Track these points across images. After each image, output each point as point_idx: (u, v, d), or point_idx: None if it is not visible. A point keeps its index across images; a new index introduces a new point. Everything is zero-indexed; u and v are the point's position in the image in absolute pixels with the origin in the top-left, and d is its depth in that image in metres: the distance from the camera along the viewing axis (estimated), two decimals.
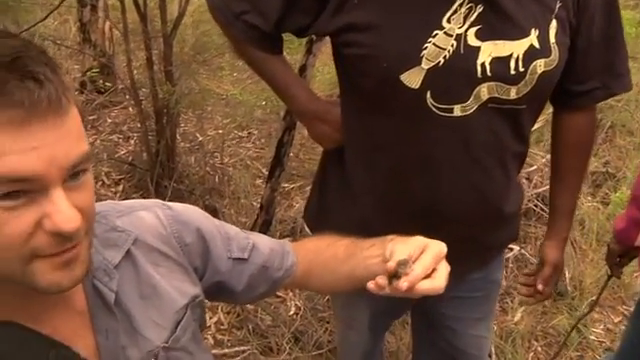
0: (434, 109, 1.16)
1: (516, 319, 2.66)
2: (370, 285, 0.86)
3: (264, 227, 2.70)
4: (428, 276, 0.85)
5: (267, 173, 2.78)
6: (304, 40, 2.50)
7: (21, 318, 0.71)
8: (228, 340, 2.45)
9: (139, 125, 3.28)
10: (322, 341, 2.43)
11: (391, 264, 0.84)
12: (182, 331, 0.86)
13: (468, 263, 1.37)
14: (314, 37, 2.38)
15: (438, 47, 1.12)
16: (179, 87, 2.89)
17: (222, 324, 2.51)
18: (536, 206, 3.18)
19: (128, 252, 0.82)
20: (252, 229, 2.63)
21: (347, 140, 1.33)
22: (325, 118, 1.34)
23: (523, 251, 2.94)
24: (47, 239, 0.62)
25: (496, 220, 1.35)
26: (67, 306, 0.75)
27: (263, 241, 1.02)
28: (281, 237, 2.89)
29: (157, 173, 3.01)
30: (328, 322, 2.53)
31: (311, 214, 1.53)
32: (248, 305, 2.56)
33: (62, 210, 0.61)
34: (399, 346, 2.41)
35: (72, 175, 0.63)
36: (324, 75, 3.97)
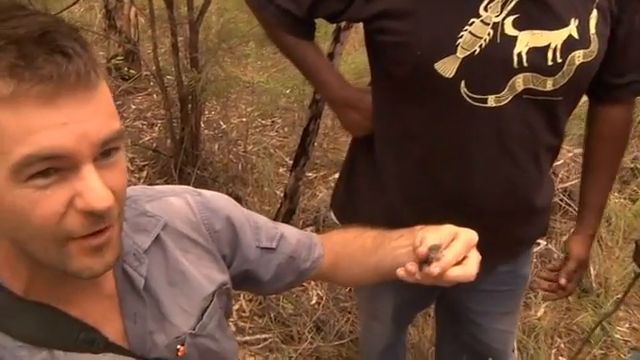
0: (468, 99, 1.14)
1: (539, 314, 2.63)
2: (400, 271, 0.85)
3: (287, 216, 2.69)
4: (459, 263, 0.84)
5: (290, 162, 2.78)
6: (331, 28, 2.49)
7: (53, 300, 0.71)
8: (250, 328, 2.45)
9: (163, 112, 3.29)
10: (344, 331, 2.42)
11: (422, 249, 0.83)
12: (208, 318, 0.86)
13: (497, 256, 1.35)
14: (342, 25, 2.36)
15: (474, 35, 1.10)
16: (204, 74, 2.88)
17: (244, 311, 2.51)
18: (562, 200, 3.13)
19: (157, 237, 0.82)
20: (275, 218, 2.63)
21: (377, 128, 1.32)
22: (356, 106, 1.33)
23: (549, 246, 2.89)
24: (79, 219, 0.61)
25: (527, 214, 1.33)
26: (96, 290, 0.75)
27: (291, 232, 1.01)
28: (304, 226, 2.89)
29: (181, 160, 3.01)
30: (350, 312, 2.52)
31: (338, 202, 1.52)
32: None
33: (94, 188, 0.60)
34: (421, 338, 2.40)
35: (103, 153, 0.62)
36: (348, 65, 3.94)
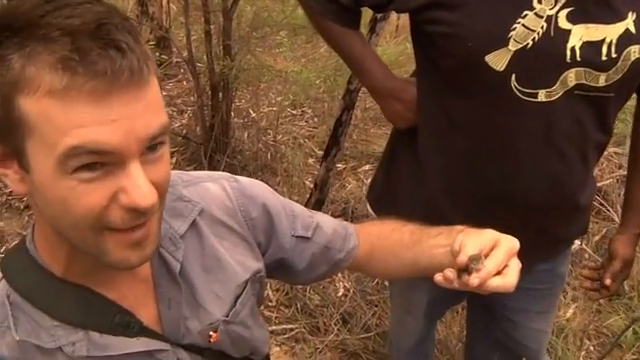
0: (518, 93, 1.12)
1: (568, 315, 2.59)
2: (438, 277, 0.82)
3: (316, 207, 2.68)
4: (499, 272, 0.81)
5: (320, 152, 2.76)
6: (366, 19, 2.46)
7: (90, 283, 0.72)
8: (276, 317, 2.46)
9: (193, 99, 3.30)
10: (370, 324, 2.41)
11: (462, 258, 0.80)
12: (241, 305, 0.85)
13: (537, 254, 1.32)
14: (378, 16, 2.34)
15: (527, 28, 1.08)
16: (237, 62, 2.88)
17: (270, 301, 2.52)
18: (594, 200, 3.07)
19: (194, 223, 0.82)
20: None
21: (421, 120, 1.30)
22: (400, 97, 1.31)
23: (584, 246, 2.84)
24: (120, 214, 0.61)
25: (570, 211, 1.30)
26: (132, 274, 0.75)
27: (327, 221, 1.00)
28: (332, 217, 2.87)
29: (211, 147, 3.02)
30: (376, 305, 2.51)
31: (375, 194, 1.50)
32: None
33: (139, 185, 0.60)
34: (447, 334, 2.37)
35: (149, 147, 0.62)
36: (380, 56, 3.91)
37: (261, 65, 3.15)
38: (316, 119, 3.83)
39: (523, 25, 1.08)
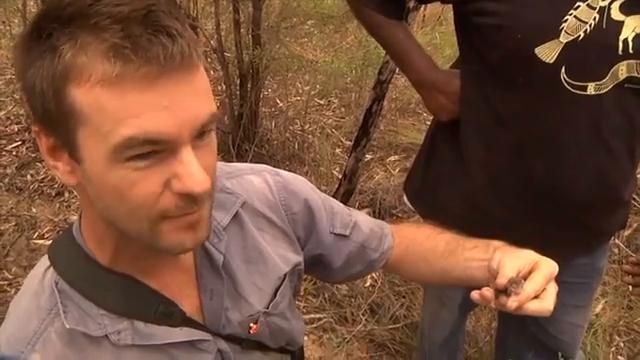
0: (567, 86, 1.10)
1: (597, 310, 2.56)
2: (475, 295, 0.82)
3: (345, 197, 2.68)
4: (537, 296, 0.81)
5: (347, 143, 2.75)
6: None
7: (135, 272, 0.72)
8: (304, 307, 2.47)
9: (220, 88, 3.30)
10: (398, 315, 2.41)
11: (502, 280, 0.80)
12: (281, 297, 0.86)
13: (578, 248, 1.31)
14: (410, 5, 2.31)
15: (579, 20, 1.05)
16: (267, 52, 2.88)
17: (298, 290, 2.52)
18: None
19: (236, 215, 0.82)
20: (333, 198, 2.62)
21: (465, 113, 1.28)
22: (444, 89, 1.30)
23: (616, 240, 2.80)
24: (174, 200, 0.61)
25: (613, 206, 1.28)
26: (176, 264, 0.75)
27: (364, 220, 0.99)
28: (360, 208, 2.88)
29: (239, 136, 3.03)
30: (404, 296, 2.51)
31: (413, 187, 1.49)
32: None
33: (193, 172, 0.60)
34: (475, 327, 2.36)
35: (199, 134, 0.61)
36: None
37: (291, 55, 3.14)
38: (343, 109, 3.82)
39: (575, 17, 1.05)
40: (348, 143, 3.41)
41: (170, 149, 0.59)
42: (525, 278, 0.81)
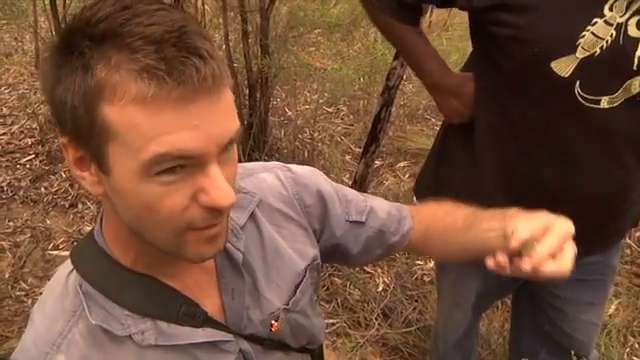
0: (580, 99, 1.10)
1: (611, 311, 2.55)
2: (489, 262, 0.81)
3: None
4: (553, 257, 0.78)
5: (356, 150, 2.77)
6: None
7: (157, 273, 0.74)
8: None
9: None
10: (411, 319, 2.42)
11: (514, 243, 0.78)
12: (301, 294, 0.87)
13: (591, 246, 1.32)
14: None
15: (596, 36, 1.06)
16: (275, 61, 2.90)
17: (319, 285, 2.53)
18: None
19: (252, 214, 0.84)
20: None
21: (479, 117, 1.29)
22: (457, 93, 1.30)
23: (627, 240, 2.80)
24: (201, 212, 0.63)
25: (627, 208, 1.29)
26: (197, 265, 0.77)
27: (381, 205, 1.00)
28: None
29: (249, 145, 3.05)
30: (417, 300, 2.51)
31: (423, 188, 1.50)
32: (337, 279, 2.58)
33: (220, 186, 0.62)
34: (488, 329, 2.36)
35: (224, 149, 0.63)
36: None
37: (299, 63, 3.16)
38: (352, 116, 3.83)
39: (592, 33, 1.06)
40: (357, 150, 3.41)
41: (197, 164, 0.61)
42: (539, 240, 0.78)
